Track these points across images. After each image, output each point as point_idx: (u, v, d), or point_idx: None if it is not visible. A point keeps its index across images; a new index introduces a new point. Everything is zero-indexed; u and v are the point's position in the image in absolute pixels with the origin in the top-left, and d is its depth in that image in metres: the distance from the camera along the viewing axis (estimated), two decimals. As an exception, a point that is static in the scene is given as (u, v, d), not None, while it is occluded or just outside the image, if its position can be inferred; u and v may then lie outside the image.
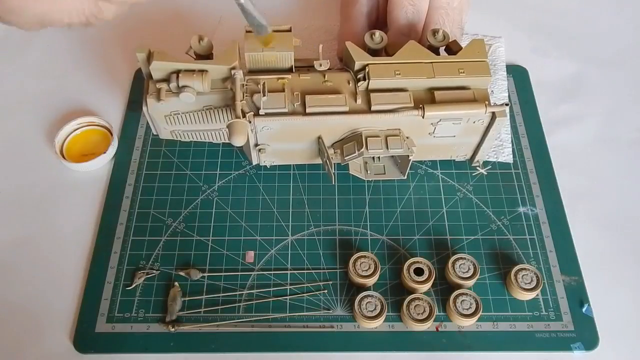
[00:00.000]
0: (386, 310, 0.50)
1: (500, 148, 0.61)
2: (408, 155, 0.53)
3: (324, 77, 0.53)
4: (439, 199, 0.58)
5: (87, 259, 0.54)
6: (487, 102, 0.51)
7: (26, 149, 0.61)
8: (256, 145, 0.55)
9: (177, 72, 0.49)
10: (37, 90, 0.66)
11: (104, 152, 0.59)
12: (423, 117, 0.51)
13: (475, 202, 0.58)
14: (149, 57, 0.50)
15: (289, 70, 0.53)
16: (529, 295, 0.52)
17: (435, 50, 0.54)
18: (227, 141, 0.55)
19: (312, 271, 0.54)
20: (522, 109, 0.64)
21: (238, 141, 0.49)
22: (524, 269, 0.52)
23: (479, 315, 0.50)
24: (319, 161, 0.58)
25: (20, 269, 0.54)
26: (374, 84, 0.51)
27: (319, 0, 0.73)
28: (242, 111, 0.50)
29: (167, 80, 0.50)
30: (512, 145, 0.61)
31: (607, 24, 0.73)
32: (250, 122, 0.51)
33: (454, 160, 0.60)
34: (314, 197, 0.58)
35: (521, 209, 0.57)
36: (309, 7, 0.73)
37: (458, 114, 0.51)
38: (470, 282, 0.52)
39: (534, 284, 0.51)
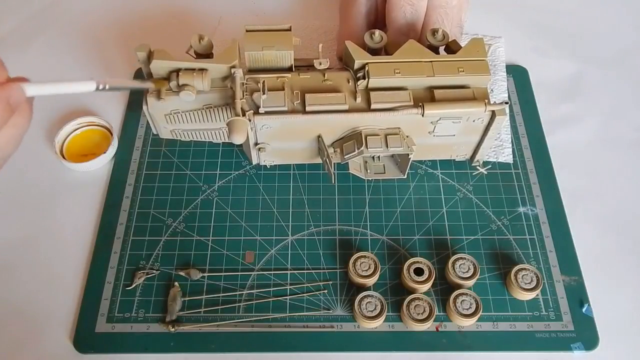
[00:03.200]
0: (386, 310, 0.50)
1: (500, 148, 0.61)
2: (408, 154, 0.53)
3: (324, 76, 0.53)
4: (439, 199, 0.58)
5: (87, 259, 0.54)
6: (486, 101, 0.51)
7: (26, 149, 0.61)
8: (256, 144, 0.55)
9: (177, 71, 0.50)
10: (37, 91, 0.66)
11: (104, 152, 0.59)
12: (423, 115, 0.51)
13: (475, 202, 0.58)
14: (149, 56, 0.50)
15: (289, 69, 0.53)
16: (529, 295, 0.51)
17: (435, 50, 0.54)
18: (227, 140, 0.56)
19: (312, 271, 0.54)
20: (522, 109, 0.64)
21: (238, 139, 0.49)
22: (524, 269, 0.52)
23: (479, 315, 0.50)
24: (319, 160, 0.57)
25: (20, 269, 0.54)
26: (373, 82, 0.51)
27: (319, 0, 0.73)
28: (242, 109, 0.50)
29: (167, 79, 0.50)
30: (512, 145, 0.61)
31: (607, 24, 0.73)
32: (250, 120, 0.51)
33: (454, 160, 0.60)
34: (314, 197, 0.58)
35: (521, 209, 0.57)
36: (308, 7, 0.73)
37: (458, 112, 0.51)
38: (470, 282, 0.52)
39: (534, 284, 0.51)
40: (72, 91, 0.39)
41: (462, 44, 0.54)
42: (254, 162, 0.58)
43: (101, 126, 0.62)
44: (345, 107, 0.51)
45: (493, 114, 0.52)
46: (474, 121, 0.53)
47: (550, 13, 0.74)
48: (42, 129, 0.62)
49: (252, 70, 0.53)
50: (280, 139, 0.54)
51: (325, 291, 0.53)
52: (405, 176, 0.56)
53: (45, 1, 0.74)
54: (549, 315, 0.51)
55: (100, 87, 0.40)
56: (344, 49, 0.53)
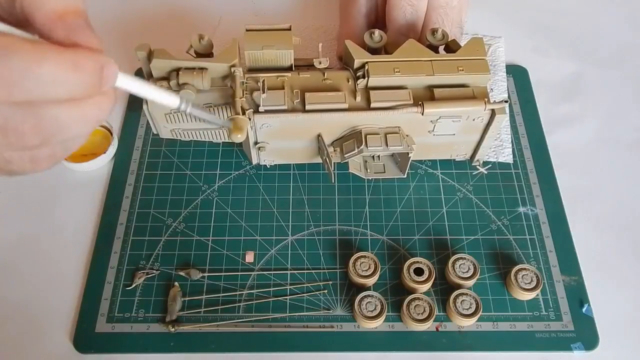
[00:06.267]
0: (386, 310, 0.50)
1: (500, 148, 0.61)
2: (408, 153, 0.53)
3: (324, 75, 0.53)
4: (439, 199, 0.58)
5: (87, 258, 0.54)
6: (486, 99, 0.51)
7: (26, 149, 0.61)
8: (256, 143, 0.55)
9: (177, 70, 0.49)
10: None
11: (104, 152, 0.59)
12: (422, 114, 0.51)
13: (475, 202, 0.58)
14: (149, 56, 0.50)
15: (289, 69, 0.53)
16: (529, 295, 0.51)
17: (435, 49, 0.54)
18: (227, 140, 0.56)
19: (312, 271, 0.54)
20: (522, 109, 0.64)
21: (238, 137, 0.49)
22: (524, 269, 0.52)
23: (479, 315, 0.50)
24: (318, 160, 0.57)
25: (20, 269, 0.54)
26: (373, 81, 0.51)
27: (319, 0, 0.73)
28: (242, 108, 0.50)
29: (167, 78, 0.50)
30: (512, 145, 0.61)
31: (607, 24, 0.73)
32: (250, 119, 0.51)
33: (453, 160, 0.60)
34: (314, 197, 0.58)
35: (521, 209, 0.57)
36: (308, 7, 0.73)
37: (457, 111, 0.51)
38: (470, 282, 0.52)
39: (534, 284, 0.51)
40: (155, 99, 0.35)
41: (462, 44, 0.54)
42: (254, 161, 0.58)
43: (101, 126, 0.62)
44: (345, 105, 0.51)
45: (493, 113, 0.52)
46: (473, 120, 0.53)
47: (550, 13, 0.74)
48: (42, 129, 0.62)
49: (252, 70, 0.53)
50: (280, 138, 0.54)
51: (325, 291, 0.53)
52: (405, 175, 0.56)
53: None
54: (549, 315, 0.51)
55: (182, 107, 0.37)
56: (344, 49, 0.53)
